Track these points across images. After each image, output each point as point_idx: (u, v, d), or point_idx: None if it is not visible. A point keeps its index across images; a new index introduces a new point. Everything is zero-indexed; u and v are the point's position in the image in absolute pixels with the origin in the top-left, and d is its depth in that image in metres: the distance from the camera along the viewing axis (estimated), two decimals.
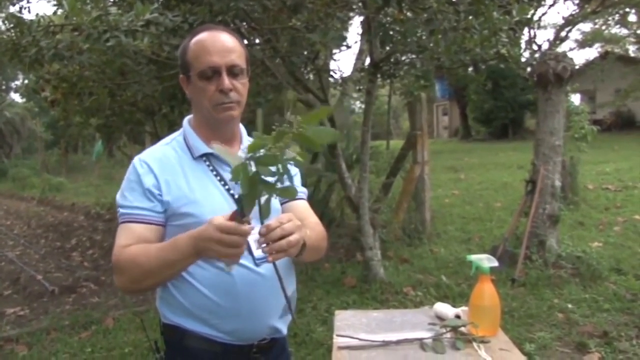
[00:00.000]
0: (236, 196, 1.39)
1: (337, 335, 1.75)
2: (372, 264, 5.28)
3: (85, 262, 7.26)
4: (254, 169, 1.07)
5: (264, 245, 1.24)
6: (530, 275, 5.04)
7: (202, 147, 1.51)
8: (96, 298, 5.51)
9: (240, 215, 1.19)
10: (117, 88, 5.94)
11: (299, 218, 1.57)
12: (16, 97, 32.45)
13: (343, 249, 6.84)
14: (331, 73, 6.07)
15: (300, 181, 1.70)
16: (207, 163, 1.51)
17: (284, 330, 1.61)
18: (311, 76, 5.79)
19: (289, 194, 1.15)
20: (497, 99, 24.43)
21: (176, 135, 1.58)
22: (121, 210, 1.47)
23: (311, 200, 6.28)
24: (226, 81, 1.43)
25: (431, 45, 3.78)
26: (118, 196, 1.50)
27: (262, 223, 1.22)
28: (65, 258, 7.51)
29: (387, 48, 4.84)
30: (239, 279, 1.43)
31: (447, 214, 8.54)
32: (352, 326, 1.85)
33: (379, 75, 5.19)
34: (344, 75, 6.34)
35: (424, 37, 4.12)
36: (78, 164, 27.33)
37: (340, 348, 1.67)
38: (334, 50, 10.16)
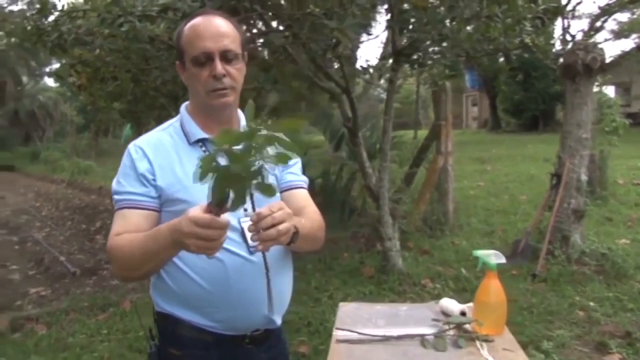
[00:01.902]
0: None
1: (337, 329, 1.72)
2: (390, 255, 5.23)
3: None
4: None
5: (254, 233, 1.21)
6: (552, 271, 4.93)
7: (197, 133, 1.48)
8: (115, 281, 5.58)
9: (216, 206, 1.11)
10: (141, 73, 5.98)
11: (298, 206, 1.55)
12: (50, 81, 33.02)
13: (363, 238, 6.80)
14: (353, 61, 6.00)
15: (300, 170, 1.67)
16: (203, 149, 1.48)
17: (278, 321, 1.57)
18: (335, 64, 5.73)
19: (266, 191, 1.06)
20: (528, 90, 23.96)
21: (173, 121, 1.55)
22: (116, 197, 1.45)
23: (333, 188, 6.27)
24: (219, 67, 1.40)
25: (453, 33, 3.67)
26: (113, 183, 1.48)
27: (232, 211, 1.12)
28: (89, 240, 7.64)
29: (409, 36, 4.74)
30: (232, 267, 1.40)
31: (471, 205, 8.41)
32: (354, 319, 1.81)
33: (407, 64, 5.11)
34: (368, 63, 6.23)
35: (446, 26, 4.01)
36: (107, 148, 27.75)
37: (339, 341, 1.63)
38: (361, 39, 10.09)
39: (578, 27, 39.27)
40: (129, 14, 2.91)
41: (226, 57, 1.42)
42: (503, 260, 1.68)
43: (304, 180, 1.66)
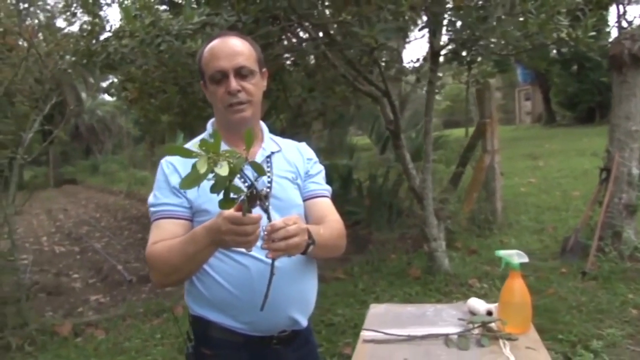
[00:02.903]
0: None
1: (364, 329, 1.77)
2: (436, 255, 5.22)
3: None
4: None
5: (265, 241, 1.30)
6: (603, 268, 4.80)
7: (222, 147, 1.57)
8: (169, 288, 5.78)
9: (247, 205, 1.23)
10: (188, 86, 6.18)
11: (319, 215, 1.62)
12: (107, 96, 34.29)
13: (410, 240, 6.80)
14: (397, 63, 6.00)
15: (323, 179, 1.74)
16: None
17: (304, 322, 1.64)
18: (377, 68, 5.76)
19: (259, 171, 1.21)
20: (582, 81, 23.15)
21: (201, 137, 1.64)
22: (152, 209, 1.57)
23: (380, 190, 6.29)
24: (233, 83, 1.50)
25: (486, 32, 3.65)
26: (150, 197, 1.60)
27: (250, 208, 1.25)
28: (145, 249, 7.92)
29: (448, 37, 4.73)
30: (255, 272, 1.49)
31: (522, 203, 8.25)
32: (383, 320, 1.86)
33: (455, 62, 5.10)
34: (408, 65, 6.23)
35: (484, 24, 3.98)
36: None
37: (365, 341, 1.68)
38: (404, 41, 10.02)
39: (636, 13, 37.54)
40: (167, 34, 3.06)
41: (240, 73, 1.52)
42: (526, 259, 1.68)
43: (326, 189, 1.73)
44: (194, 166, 1.09)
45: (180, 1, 5.00)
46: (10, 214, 4.47)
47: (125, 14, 3.23)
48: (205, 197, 1.50)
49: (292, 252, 1.35)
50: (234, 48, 1.53)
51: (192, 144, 1.64)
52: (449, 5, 3.94)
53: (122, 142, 32.17)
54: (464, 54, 4.90)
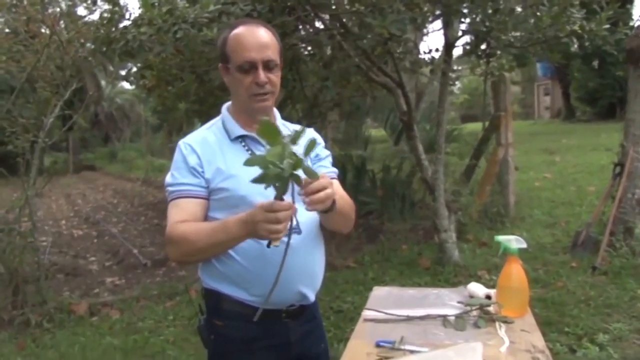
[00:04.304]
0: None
1: (366, 309, 1.84)
2: (446, 246, 5.26)
3: None
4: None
5: (305, 195, 1.36)
6: (614, 263, 4.80)
7: (238, 130, 1.66)
8: (183, 272, 5.91)
9: (278, 194, 1.31)
10: (205, 74, 6.26)
11: None
12: (126, 84, 34.63)
13: (422, 231, 6.84)
14: (413, 55, 6.01)
15: (330, 163, 1.82)
16: (243, 144, 1.66)
17: (312, 297, 1.71)
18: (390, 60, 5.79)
19: (313, 177, 1.30)
20: (604, 76, 22.85)
21: (215, 121, 1.74)
22: (170, 189, 1.63)
23: (394, 181, 6.32)
24: (262, 75, 1.57)
25: (498, 24, 3.67)
26: (167, 177, 1.66)
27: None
28: (160, 234, 8.06)
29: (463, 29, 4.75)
30: (267, 246, 1.56)
31: (535, 197, 8.23)
32: (384, 301, 1.92)
33: (473, 55, 5.11)
34: (422, 56, 6.24)
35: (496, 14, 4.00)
36: None
37: (366, 320, 1.75)
38: (422, 32, 9.98)
39: None
40: (183, 22, 3.14)
41: (268, 66, 1.59)
42: (524, 245, 1.73)
43: (334, 171, 1.80)
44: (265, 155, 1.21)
45: None
46: (31, 196, 4.60)
47: (144, 1, 3.31)
48: (222, 175, 1.59)
49: (325, 204, 1.41)
50: (263, 40, 1.59)
51: (204, 129, 1.72)
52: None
53: (140, 130, 32.46)
54: (482, 47, 4.91)
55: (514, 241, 1.75)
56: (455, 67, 7.04)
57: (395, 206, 7.51)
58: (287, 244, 1.37)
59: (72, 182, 19.61)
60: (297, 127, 1.83)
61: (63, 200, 14.26)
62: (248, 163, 1.24)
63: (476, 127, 11.48)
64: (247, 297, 1.61)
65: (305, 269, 1.64)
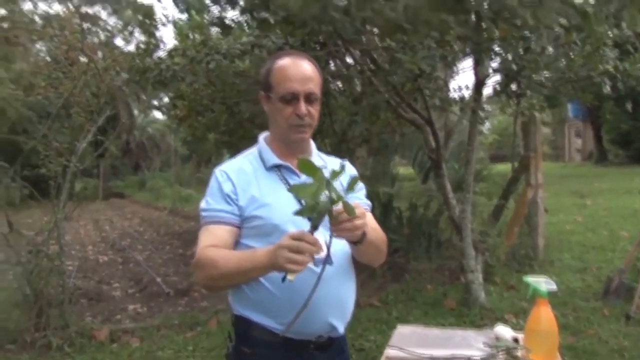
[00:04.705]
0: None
1: (389, 347, 1.79)
2: (472, 288, 5.14)
3: None
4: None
5: (334, 223, 1.36)
6: None
7: (273, 160, 1.68)
8: (205, 302, 5.89)
9: (312, 226, 1.34)
10: (235, 106, 6.36)
11: None
12: (158, 114, 35.39)
13: (448, 271, 6.72)
14: (443, 92, 6.01)
15: (364, 195, 1.83)
16: (278, 173, 1.67)
17: (341, 329, 1.68)
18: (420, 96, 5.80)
19: (351, 213, 1.33)
20: (637, 119, 22.41)
21: (252, 150, 1.77)
22: (203, 214, 1.66)
23: (420, 220, 6.26)
24: (303, 107, 1.61)
25: (530, 63, 3.65)
26: (201, 203, 1.70)
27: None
28: (184, 264, 8.09)
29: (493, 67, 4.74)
30: (298, 276, 1.54)
31: (565, 241, 8.03)
32: (408, 340, 1.87)
33: (504, 95, 5.10)
34: (454, 95, 6.24)
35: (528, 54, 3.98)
36: (208, 177, 29.09)
37: (388, 359, 1.70)
38: (453, 70, 10.01)
39: None
40: (216, 52, 3.20)
41: (309, 98, 1.62)
42: (554, 287, 1.67)
43: (367, 203, 1.81)
44: (308, 187, 1.26)
45: (231, 23, 5.20)
46: (60, 219, 4.68)
47: (179, 32, 3.40)
48: (256, 203, 1.61)
49: (354, 234, 1.43)
50: (307, 72, 1.63)
51: (241, 157, 1.75)
52: (495, 35, 3.95)
53: (169, 159, 32.98)
54: (513, 87, 4.89)
55: (543, 283, 1.69)
56: (485, 107, 7.01)
57: (421, 245, 7.41)
58: (320, 275, 1.38)
59: (100, 209, 19.93)
60: (333, 158, 1.87)
61: (91, 226, 14.46)
62: (292, 190, 1.30)
63: (505, 167, 11.37)
64: (275, 325, 1.60)
65: (336, 300, 1.63)
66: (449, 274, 6.54)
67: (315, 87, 1.63)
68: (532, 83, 4.38)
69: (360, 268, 1.75)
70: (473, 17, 3.81)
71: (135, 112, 29.17)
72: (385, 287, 6.22)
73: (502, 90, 5.07)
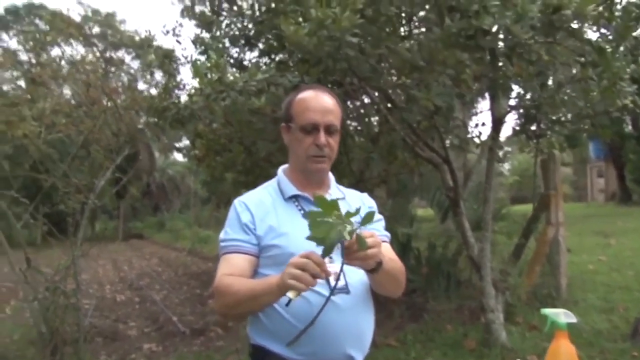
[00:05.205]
0: None
1: None
2: (493, 327, 5.01)
3: None
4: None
5: (345, 250, 1.38)
6: None
7: (292, 190, 1.73)
8: (221, 342, 5.83)
9: (323, 254, 1.37)
10: (252, 145, 6.42)
11: None
12: (179, 156, 35.88)
13: (468, 311, 6.57)
14: (447, 129, 6.02)
15: (383, 227, 1.84)
16: (296, 203, 1.72)
17: (360, 359, 1.66)
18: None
19: (362, 245, 1.37)
20: None
21: (271, 182, 1.81)
22: (222, 244, 1.70)
23: (439, 260, 6.20)
24: (322, 138, 1.65)
25: (547, 100, 3.64)
26: (220, 233, 1.73)
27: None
28: (201, 304, 8.05)
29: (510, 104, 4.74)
30: (315, 304, 1.54)
31: (589, 280, 7.83)
32: None
33: (523, 135, 5.09)
34: (471, 134, 6.24)
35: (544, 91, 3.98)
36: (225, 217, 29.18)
37: None
38: (472, 108, 10.03)
39: None
40: (231, 89, 3.26)
41: (329, 130, 1.67)
42: (574, 320, 1.61)
43: (386, 235, 1.83)
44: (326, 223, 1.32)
45: (249, 65, 5.33)
46: (77, 256, 4.70)
47: (195, 69, 3.48)
48: (274, 233, 1.64)
49: (369, 263, 1.44)
50: (328, 105, 1.68)
51: (261, 188, 1.80)
52: (510, 72, 3.97)
53: (189, 201, 33.26)
54: (532, 127, 4.87)
55: (562, 315, 1.64)
56: (504, 148, 6.98)
57: (440, 285, 7.29)
58: (329, 296, 1.41)
59: (120, 249, 20.04)
60: (352, 191, 1.90)
61: (110, 266, 14.53)
62: (307, 216, 1.32)
63: (526, 208, 11.25)
64: (293, 355, 1.59)
65: (353, 330, 1.62)
66: (468, 314, 6.39)
67: (335, 119, 1.68)
68: (551, 123, 4.36)
69: (378, 308, 1.74)
70: (488, 54, 3.85)
71: (156, 153, 29.64)
72: (403, 327, 6.10)
73: (521, 131, 5.05)
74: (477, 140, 5.54)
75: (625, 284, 7.53)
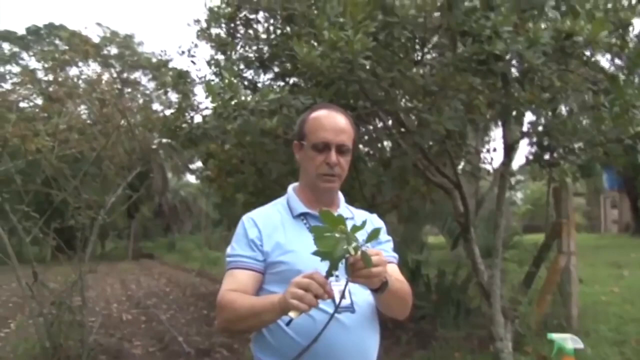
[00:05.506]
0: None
1: None
2: (502, 356, 4.92)
3: None
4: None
5: (349, 267, 1.37)
6: None
7: (300, 208, 1.73)
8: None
9: (328, 271, 1.37)
10: (264, 166, 6.44)
11: None
12: (191, 178, 36.07)
13: (477, 339, 6.47)
14: (458, 154, 6.00)
15: (391, 248, 1.83)
16: (304, 221, 1.72)
17: None
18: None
19: (368, 263, 1.35)
20: None
21: (281, 199, 1.82)
22: (228, 259, 1.70)
23: (449, 287, 6.15)
24: (334, 157, 1.66)
25: (558, 126, 3.63)
26: (227, 249, 1.73)
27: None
28: (207, 325, 7.99)
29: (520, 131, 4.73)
30: (320, 323, 1.53)
31: (601, 312, 7.69)
32: None
33: (537, 164, 5.07)
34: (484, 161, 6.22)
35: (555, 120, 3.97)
36: None
37: None
38: (485, 135, 10.04)
39: None
40: (243, 109, 3.29)
41: (341, 149, 1.68)
42: (581, 345, 1.59)
43: (394, 256, 1.82)
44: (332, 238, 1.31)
45: (262, 87, 5.37)
46: (84, 272, 4.71)
47: (209, 88, 3.51)
48: (281, 249, 1.64)
49: (373, 282, 1.43)
50: (340, 124, 1.70)
51: (270, 206, 1.80)
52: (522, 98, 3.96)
53: (200, 223, 33.31)
54: (546, 157, 4.85)
55: (569, 340, 1.61)
56: (517, 176, 6.96)
57: (449, 312, 7.21)
58: (333, 314, 1.41)
59: (129, 268, 20.04)
60: (361, 211, 1.91)
61: (118, 285, 14.52)
62: (313, 231, 1.32)
63: (538, 237, 11.14)
64: None
65: (358, 349, 1.60)
66: (477, 342, 6.29)
67: (347, 139, 1.68)
68: (564, 152, 4.33)
69: (385, 334, 1.74)
70: (500, 80, 3.86)
71: (169, 174, 29.81)
72: (411, 354, 6.02)
73: (535, 160, 5.02)
74: (489, 167, 5.52)
75: (639, 316, 7.38)
